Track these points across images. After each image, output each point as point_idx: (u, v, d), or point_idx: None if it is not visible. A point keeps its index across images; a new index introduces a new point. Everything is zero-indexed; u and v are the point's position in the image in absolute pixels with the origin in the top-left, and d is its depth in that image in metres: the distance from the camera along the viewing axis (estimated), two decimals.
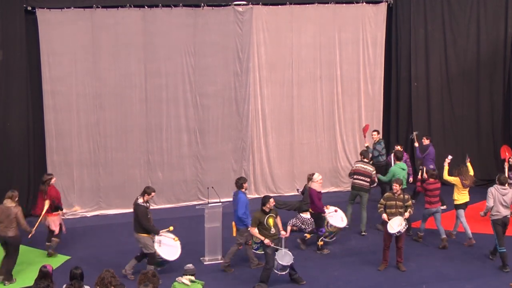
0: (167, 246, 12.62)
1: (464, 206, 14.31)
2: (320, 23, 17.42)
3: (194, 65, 16.54)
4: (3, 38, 15.09)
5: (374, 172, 15.04)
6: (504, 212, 13.07)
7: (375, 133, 16.53)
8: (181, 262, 13.25)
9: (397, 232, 12.72)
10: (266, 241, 12.03)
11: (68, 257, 13.60)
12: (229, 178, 17.10)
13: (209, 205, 13.54)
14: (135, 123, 16.35)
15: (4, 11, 15.05)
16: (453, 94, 18.40)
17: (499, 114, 18.39)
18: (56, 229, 13.61)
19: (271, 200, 12.21)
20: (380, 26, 17.98)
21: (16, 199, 12.53)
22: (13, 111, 15.45)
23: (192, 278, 9.94)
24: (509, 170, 15.09)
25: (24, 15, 15.28)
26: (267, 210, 12.15)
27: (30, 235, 12.75)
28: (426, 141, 16.35)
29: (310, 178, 13.96)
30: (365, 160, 15.21)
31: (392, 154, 15.39)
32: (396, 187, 12.90)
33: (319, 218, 13.73)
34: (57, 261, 13.26)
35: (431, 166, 15.72)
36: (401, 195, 12.91)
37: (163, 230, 12.66)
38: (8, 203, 12.43)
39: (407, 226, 12.99)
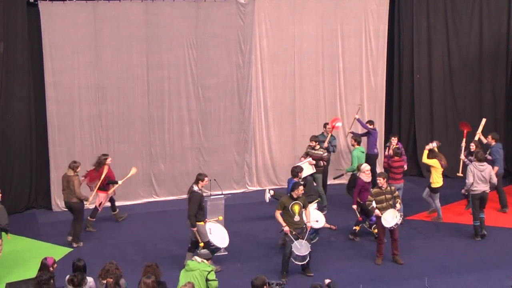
0: (217, 233, 12.79)
1: (440, 189, 14.81)
2: (322, 15, 17.39)
3: (196, 57, 16.52)
4: (5, 30, 15.07)
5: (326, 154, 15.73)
6: (483, 187, 13.96)
7: (329, 127, 16.55)
8: (184, 254, 13.33)
9: (395, 225, 12.73)
10: (286, 228, 12.15)
11: (71, 249, 13.63)
12: (231, 170, 17.17)
13: (212, 197, 13.55)
14: (137, 115, 16.34)
15: (7, 3, 15.03)
16: (455, 86, 18.38)
17: (502, 107, 18.38)
18: (99, 206, 14.63)
19: (300, 188, 12.27)
20: (383, 18, 17.93)
21: (77, 169, 13.70)
22: (15, 103, 15.46)
23: (205, 261, 10.25)
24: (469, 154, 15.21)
25: (26, 7, 15.25)
26: (295, 196, 12.20)
27: (87, 203, 14.00)
28: (370, 126, 16.57)
29: (358, 169, 14.18)
30: (314, 145, 15.63)
31: (352, 139, 15.89)
32: (380, 180, 12.84)
33: (366, 208, 13.70)
34: (59, 253, 13.30)
35: (375, 150, 16.42)
36: (388, 188, 12.91)
37: (212, 220, 12.89)
38: (69, 172, 13.70)
39: (402, 217, 13.00)
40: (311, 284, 9.47)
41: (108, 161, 14.62)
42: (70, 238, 13.91)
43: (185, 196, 16.51)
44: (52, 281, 9.61)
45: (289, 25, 17.18)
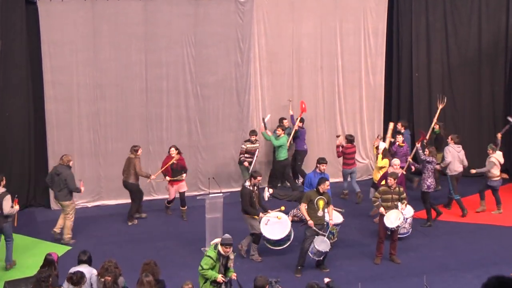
0: (274, 225, 13.05)
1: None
2: (321, 13, 17.38)
3: (194, 55, 16.51)
4: (4, 28, 15.04)
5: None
6: (460, 168, 15.42)
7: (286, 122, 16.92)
8: (185, 253, 13.34)
9: (396, 227, 12.74)
10: (310, 222, 12.27)
11: (69, 247, 13.60)
12: (230, 169, 17.14)
13: (210, 195, 13.55)
14: (136, 113, 16.32)
15: (5, 2, 15.00)
16: (454, 84, 18.37)
17: (500, 105, 18.36)
18: (169, 197, 15.33)
19: (327, 182, 12.43)
20: (382, 16, 17.94)
21: (137, 153, 14.73)
22: (13, 101, 15.43)
23: (219, 245, 10.35)
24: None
25: (25, 5, 15.23)
26: (321, 191, 12.36)
27: (149, 180, 15.03)
28: (299, 124, 16.90)
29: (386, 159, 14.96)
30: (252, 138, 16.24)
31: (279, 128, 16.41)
32: (391, 180, 12.85)
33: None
34: (58, 251, 13.15)
35: (305, 147, 17.05)
36: (397, 188, 12.90)
37: (275, 210, 13.32)
38: (131, 155, 14.76)
39: (405, 219, 13.01)
40: (307, 283, 9.46)
41: (170, 151, 15.06)
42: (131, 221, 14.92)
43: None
44: (50, 279, 9.60)
45: (288, 23, 17.17)
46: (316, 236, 12.24)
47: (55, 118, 15.74)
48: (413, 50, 18.08)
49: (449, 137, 15.76)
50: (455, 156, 15.34)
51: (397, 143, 15.78)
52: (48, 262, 10.03)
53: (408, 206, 13.86)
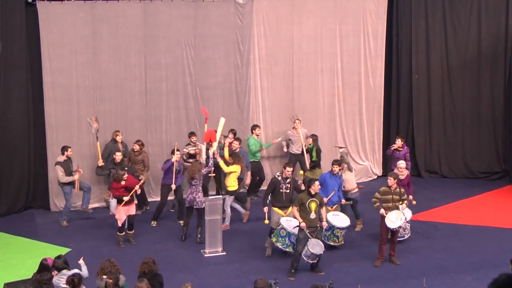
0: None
1: (235, 193, 14.78)
2: (321, 15, 17.38)
3: (194, 57, 16.51)
4: (4, 30, 15.05)
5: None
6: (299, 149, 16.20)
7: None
8: (185, 255, 13.34)
9: (398, 227, 12.72)
10: (302, 224, 12.16)
11: (68, 249, 13.60)
12: None
13: (210, 197, 13.54)
14: (135, 115, 16.32)
15: (5, 3, 15.02)
16: (453, 86, 18.37)
17: (500, 107, 18.33)
18: (120, 221, 13.78)
19: (316, 183, 12.35)
20: (381, 18, 17.93)
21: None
22: (13, 103, 15.44)
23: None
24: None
25: (24, 7, 15.24)
26: (312, 192, 12.26)
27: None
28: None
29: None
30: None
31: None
32: (391, 180, 12.79)
33: None
34: (57, 253, 13.12)
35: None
36: (397, 189, 12.85)
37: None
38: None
39: (406, 219, 12.99)
40: (313, 284, 9.46)
41: (124, 177, 13.67)
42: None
43: (184, 196, 16.62)
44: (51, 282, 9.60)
45: (288, 25, 17.17)
46: (309, 239, 12.16)
47: (54, 120, 15.74)
48: (412, 52, 18.08)
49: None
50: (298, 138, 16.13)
51: (392, 147, 15.73)
52: (44, 267, 10.00)
53: (405, 210, 13.77)
